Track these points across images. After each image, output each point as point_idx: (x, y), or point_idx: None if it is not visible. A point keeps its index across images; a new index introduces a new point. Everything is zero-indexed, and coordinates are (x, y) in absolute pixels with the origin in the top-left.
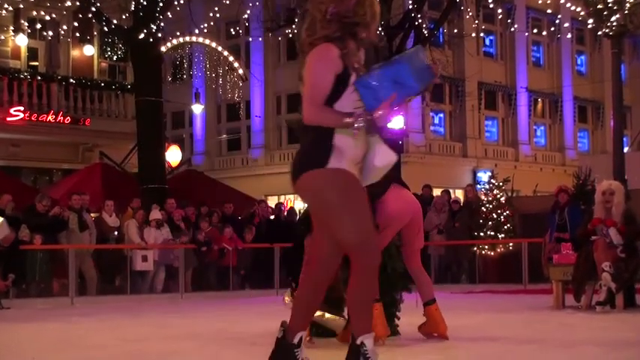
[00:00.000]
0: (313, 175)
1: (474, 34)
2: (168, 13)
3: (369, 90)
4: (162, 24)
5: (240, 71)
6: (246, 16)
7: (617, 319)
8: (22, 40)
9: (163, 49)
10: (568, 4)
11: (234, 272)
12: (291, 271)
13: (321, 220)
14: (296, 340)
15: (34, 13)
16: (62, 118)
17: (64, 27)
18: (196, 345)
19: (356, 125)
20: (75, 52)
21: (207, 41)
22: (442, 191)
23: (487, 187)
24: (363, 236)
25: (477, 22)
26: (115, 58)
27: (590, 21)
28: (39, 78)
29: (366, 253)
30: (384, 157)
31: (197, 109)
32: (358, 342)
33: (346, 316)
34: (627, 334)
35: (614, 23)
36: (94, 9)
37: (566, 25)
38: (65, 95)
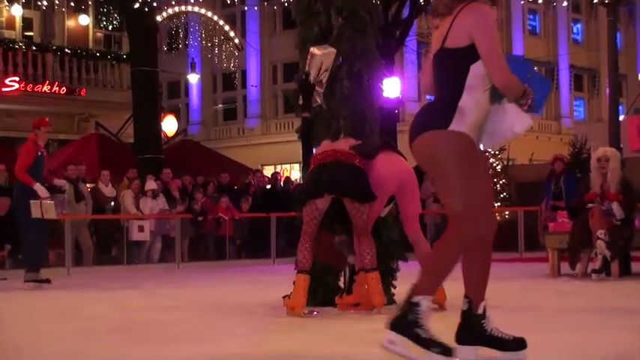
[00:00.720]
0: (432, 136)
1: None
2: None
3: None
4: None
5: (236, 40)
6: None
7: (612, 287)
8: (16, 10)
9: (159, 18)
10: None
11: (230, 242)
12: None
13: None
14: (480, 311)
15: None
16: (57, 88)
17: None
18: (194, 314)
19: (523, 100)
20: (70, 22)
21: (202, 10)
22: None
23: None
24: (470, 204)
25: None
26: (110, 27)
27: None
28: (34, 48)
29: (468, 222)
30: (524, 124)
31: (193, 78)
32: (415, 300)
33: (342, 285)
34: (622, 302)
35: None
36: None
37: None
38: (60, 65)
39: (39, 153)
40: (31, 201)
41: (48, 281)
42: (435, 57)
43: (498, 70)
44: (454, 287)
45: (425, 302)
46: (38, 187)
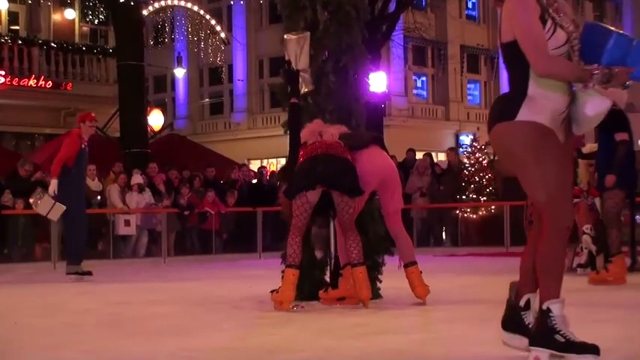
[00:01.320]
0: (501, 128)
1: None
2: None
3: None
4: None
5: (223, 35)
6: None
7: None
8: (2, 4)
9: (145, 12)
10: None
11: (216, 236)
12: None
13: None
14: (522, 303)
15: None
16: (44, 82)
17: None
18: (180, 309)
19: (594, 77)
20: (56, 16)
21: (188, 4)
22: (424, 154)
23: (469, 150)
24: (553, 193)
25: None
26: (96, 21)
27: None
28: (20, 42)
29: (554, 211)
30: (596, 105)
31: (179, 72)
32: (544, 307)
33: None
34: (606, 296)
35: None
36: None
37: None
38: (46, 59)
39: (82, 146)
40: (45, 195)
41: (89, 273)
42: (500, 49)
43: (533, 59)
44: (439, 280)
45: (556, 306)
46: (53, 183)
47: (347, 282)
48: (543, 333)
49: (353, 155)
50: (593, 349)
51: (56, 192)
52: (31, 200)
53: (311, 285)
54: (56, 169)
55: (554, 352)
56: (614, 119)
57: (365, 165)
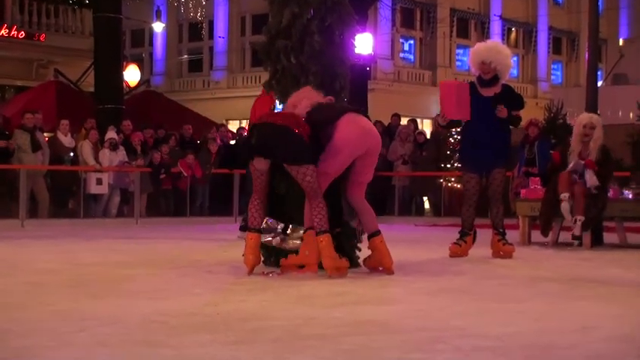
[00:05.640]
0: None
1: None
2: None
3: None
4: None
5: None
6: None
7: (583, 257)
8: None
9: None
10: None
11: (191, 198)
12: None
13: None
14: None
15: None
16: (16, 32)
17: None
18: (152, 271)
19: None
20: None
21: None
22: (408, 120)
23: None
24: None
25: None
26: None
27: None
28: None
29: None
30: None
31: (158, 27)
32: None
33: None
34: (591, 273)
35: None
36: None
37: None
38: (19, 9)
39: None
40: None
41: None
42: None
43: None
44: (421, 251)
45: None
46: None
47: (305, 247)
48: None
49: (329, 128)
50: None
51: None
52: None
53: (279, 253)
54: None
55: None
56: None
57: (347, 129)
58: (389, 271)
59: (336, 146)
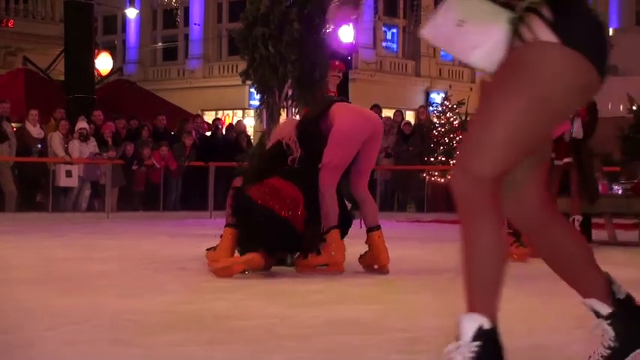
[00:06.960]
0: None
1: None
2: None
3: None
4: None
5: None
6: None
7: None
8: None
9: None
10: None
11: (165, 192)
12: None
13: None
14: None
15: None
16: None
17: None
18: (122, 268)
19: None
20: None
21: None
22: (394, 112)
23: (440, 109)
24: None
25: None
26: None
27: None
28: None
29: None
30: None
31: (131, 13)
32: None
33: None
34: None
35: None
36: None
37: None
38: None
39: None
40: None
41: None
42: None
43: None
44: (403, 247)
45: None
46: None
47: (331, 247)
48: None
49: (326, 121)
50: None
51: None
52: None
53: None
54: None
55: None
56: None
57: (347, 118)
58: (384, 269)
59: (340, 136)
